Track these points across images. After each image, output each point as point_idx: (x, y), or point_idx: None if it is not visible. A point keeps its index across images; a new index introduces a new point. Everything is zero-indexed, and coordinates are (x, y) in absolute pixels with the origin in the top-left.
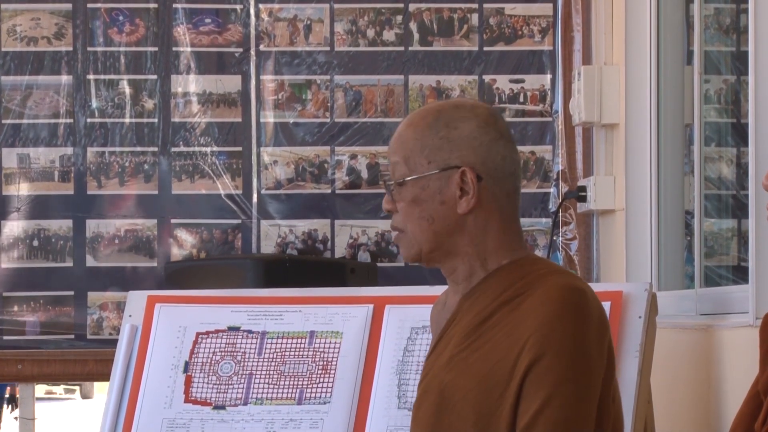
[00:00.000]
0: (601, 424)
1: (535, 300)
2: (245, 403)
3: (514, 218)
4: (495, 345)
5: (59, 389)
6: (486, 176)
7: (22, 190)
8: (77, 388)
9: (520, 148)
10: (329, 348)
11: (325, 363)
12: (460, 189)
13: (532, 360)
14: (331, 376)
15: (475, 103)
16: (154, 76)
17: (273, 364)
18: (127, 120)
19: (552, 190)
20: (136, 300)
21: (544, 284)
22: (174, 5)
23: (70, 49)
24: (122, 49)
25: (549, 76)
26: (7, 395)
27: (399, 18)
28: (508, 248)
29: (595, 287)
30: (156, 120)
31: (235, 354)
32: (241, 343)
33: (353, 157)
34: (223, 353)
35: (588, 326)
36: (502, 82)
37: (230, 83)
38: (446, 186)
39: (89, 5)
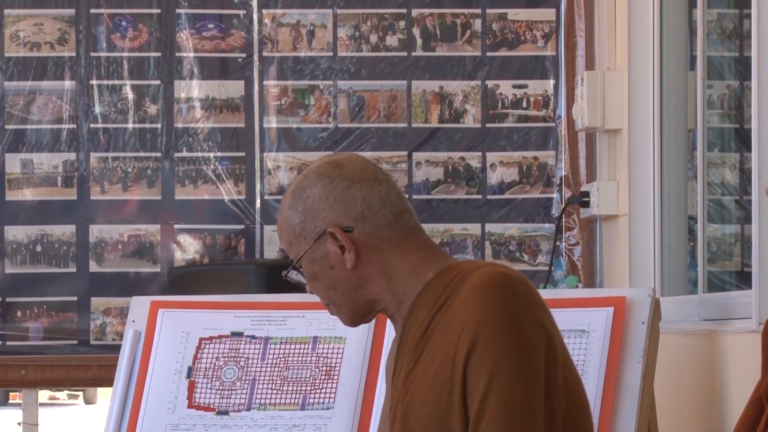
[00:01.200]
0: (551, 401)
1: (463, 294)
2: (248, 409)
3: (413, 239)
4: (437, 348)
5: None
6: (354, 224)
7: (25, 195)
8: (80, 393)
9: (522, 153)
10: (332, 353)
11: (328, 368)
12: (339, 248)
13: (468, 349)
14: (334, 381)
15: (318, 164)
16: (157, 82)
17: (276, 369)
18: (130, 125)
19: (555, 195)
20: (140, 305)
21: (470, 278)
22: (177, 11)
23: (73, 54)
24: (125, 54)
25: (552, 82)
26: None
27: (402, 23)
28: (426, 264)
29: (598, 292)
30: (159, 125)
31: (238, 359)
32: (244, 349)
33: None
34: (226, 359)
35: (516, 305)
36: (505, 88)
37: (233, 88)
38: (327, 251)
39: (92, 11)
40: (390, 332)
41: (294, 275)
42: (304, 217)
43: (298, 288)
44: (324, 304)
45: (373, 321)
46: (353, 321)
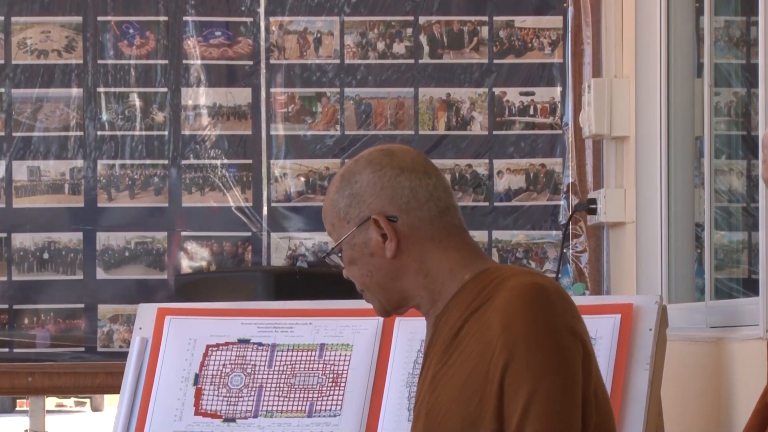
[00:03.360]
0: (584, 414)
1: (498, 302)
2: (255, 416)
3: (454, 237)
4: (469, 354)
5: (70, 402)
6: (399, 214)
7: (32, 202)
8: (88, 400)
9: (530, 160)
10: (339, 360)
11: (335, 375)
12: (381, 236)
13: (506, 361)
14: (341, 388)
15: (370, 151)
16: (165, 89)
17: (283, 376)
18: (137, 133)
19: (562, 202)
20: (147, 312)
21: (506, 286)
22: (184, 18)
23: (81, 61)
24: (132, 61)
25: (559, 89)
26: None
27: (409, 30)
28: (465, 265)
29: (605, 300)
30: (166, 133)
31: (245, 366)
32: (251, 356)
33: None
34: (233, 366)
35: (553, 318)
36: (512, 95)
37: (240, 96)
38: (368, 238)
39: (99, 18)
40: (398, 342)
41: (335, 258)
42: (350, 201)
43: (305, 295)
44: (359, 290)
45: (380, 328)
46: (386, 310)
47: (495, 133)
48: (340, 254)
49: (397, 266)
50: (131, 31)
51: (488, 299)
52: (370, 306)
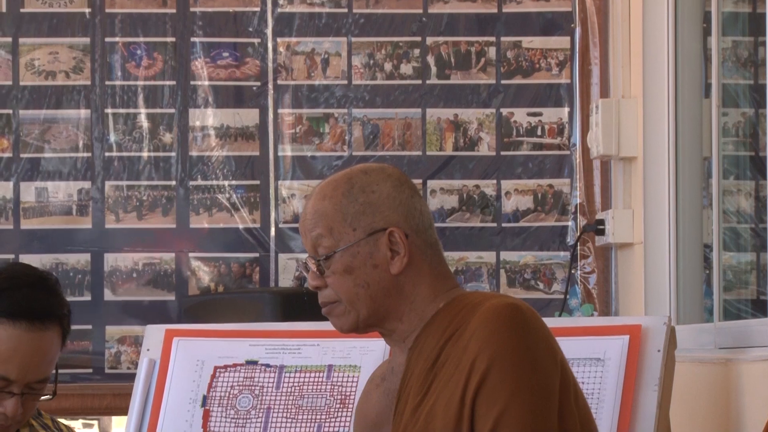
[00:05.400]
0: (566, 428)
1: (473, 324)
2: None
3: (442, 264)
4: (447, 380)
5: (77, 424)
6: (411, 232)
7: (40, 224)
8: (95, 422)
9: (537, 181)
10: (347, 382)
11: (343, 397)
12: (390, 250)
13: (479, 381)
14: (349, 410)
15: (382, 165)
16: (172, 110)
17: (291, 398)
18: (145, 154)
19: (570, 223)
20: (154, 334)
21: (480, 309)
22: (192, 39)
23: (88, 83)
24: (140, 82)
25: (567, 109)
26: None
27: (416, 51)
28: (441, 293)
29: (614, 321)
30: (174, 153)
31: (253, 388)
32: (259, 377)
33: None
34: (241, 387)
35: (528, 336)
36: (520, 115)
37: (248, 117)
38: (376, 249)
39: (107, 39)
40: None
41: (311, 263)
42: (363, 209)
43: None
44: (326, 302)
45: (388, 349)
46: (356, 326)
47: (503, 153)
48: (317, 259)
49: (395, 284)
50: (139, 52)
51: (462, 324)
52: None
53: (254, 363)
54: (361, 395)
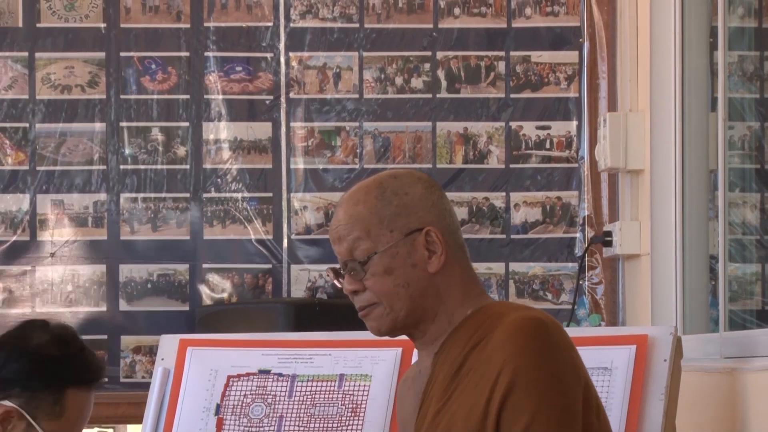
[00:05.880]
0: None
1: (499, 336)
2: None
3: (470, 268)
4: (471, 389)
5: None
6: (444, 232)
7: (56, 235)
8: (111, 430)
9: (546, 193)
10: (358, 391)
11: (354, 406)
12: (426, 249)
13: (504, 394)
14: (360, 418)
15: (409, 170)
16: (186, 124)
17: (303, 406)
18: (159, 166)
19: (578, 235)
20: (169, 343)
21: (505, 321)
22: (206, 54)
23: (104, 96)
24: (155, 96)
25: (575, 123)
26: None
27: (427, 66)
28: (470, 300)
29: (621, 331)
30: (188, 166)
31: (265, 396)
32: (271, 386)
33: None
34: (254, 396)
35: (553, 351)
36: (529, 129)
37: (261, 130)
38: (413, 249)
39: (122, 54)
40: None
41: (347, 268)
42: (399, 212)
43: (325, 326)
44: (364, 306)
45: (399, 359)
46: (394, 327)
47: (512, 166)
48: (353, 262)
49: (432, 283)
50: (153, 66)
51: (486, 334)
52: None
53: (267, 372)
54: (396, 399)
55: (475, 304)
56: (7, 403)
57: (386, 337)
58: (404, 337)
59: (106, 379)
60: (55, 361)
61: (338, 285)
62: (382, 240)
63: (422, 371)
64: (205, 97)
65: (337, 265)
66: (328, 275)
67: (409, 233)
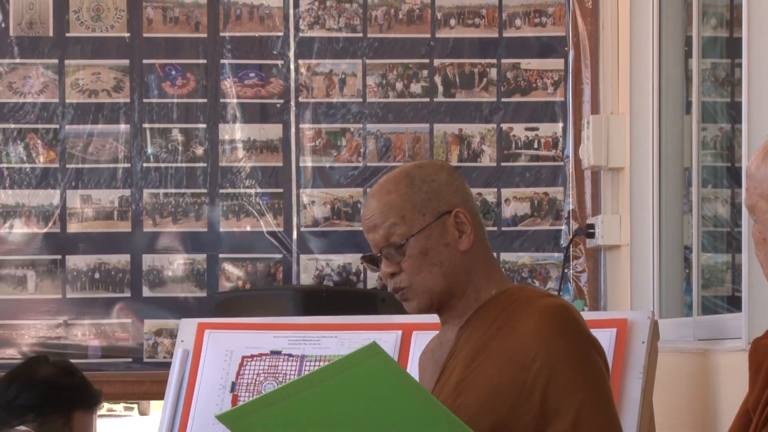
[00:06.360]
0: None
1: (531, 321)
2: None
3: (490, 252)
4: (499, 365)
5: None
6: (470, 213)
7: (84, 228)
8: (135, 406)
9: (534, 189)
10: None
11: None
12: (457, 229)
13: (548, 376)
14: None
15: (432, 160)
16: (204, 125)
17: None
18: (179, 164)
19: (563, 227)
20: (188, 327)
21: (534, 306)
22: (221, 61)
23: (128, 100)
24: (175, 100)
25: (561, 125)
26: None
27: (425, 72)
28: (494, 281)
29: (602, 315)
30: (205, 164)
31: (277, 375)
32: (282, 366)
33: None
34: (266, 375)
35: (583, 336)
36: (518, 130)
37: (272, 131)
38: (445, 230)
39: (145, 61)
40: (415, 353)
41: (384, 252)
42: (429, 197)
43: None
44: (400, 287)
45: (399, 341)
46: (430, 304)
47: (503, 164)
48: (388, 247)
49: (464, 261)
50: (174, 72)
51: (514, 317)
52: (390, 320)
53: (278, 353)
54: (419, 369)
55: (499, 286)
56: (22, 428)
57: (422, 315)
58: (407, 320)
59: (131, 361)
60: (63, 389)
61: (372, 271)
62: (416, 223)
63: (444, 343)
64: (221, 100)
65: (370, 254)
66: (361, 263)
67: (440, 216)
